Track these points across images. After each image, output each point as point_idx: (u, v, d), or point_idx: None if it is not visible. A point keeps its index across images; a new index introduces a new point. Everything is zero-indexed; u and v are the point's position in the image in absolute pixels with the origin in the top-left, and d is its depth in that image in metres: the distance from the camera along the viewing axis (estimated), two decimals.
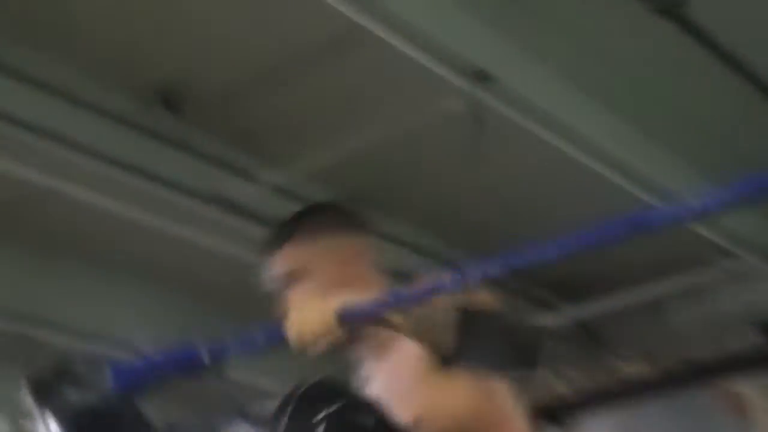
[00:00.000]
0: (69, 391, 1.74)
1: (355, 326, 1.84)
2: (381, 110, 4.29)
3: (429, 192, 5.14)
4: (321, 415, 1.55)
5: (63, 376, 1.76)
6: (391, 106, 4.24)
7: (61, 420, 1.72)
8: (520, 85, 3.89)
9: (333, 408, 1.57)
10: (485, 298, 1.67)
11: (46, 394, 1.73)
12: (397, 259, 4.80)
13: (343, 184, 4.76)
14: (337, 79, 4.25)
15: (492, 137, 3.78)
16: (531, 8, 3.84)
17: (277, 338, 1.75)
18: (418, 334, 1.68)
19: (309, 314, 1.73)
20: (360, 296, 1.83)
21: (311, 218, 2.17)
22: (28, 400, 1.74)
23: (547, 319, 5.86)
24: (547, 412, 6.14)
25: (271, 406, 1.68)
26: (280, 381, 5.54)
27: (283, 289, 2.06)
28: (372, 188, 4.93)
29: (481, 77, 3.70)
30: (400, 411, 1.64)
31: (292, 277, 2.05)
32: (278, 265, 2.08)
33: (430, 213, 5.34)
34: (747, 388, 6.06)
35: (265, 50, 4.10)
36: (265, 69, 4.18)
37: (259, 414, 1.62)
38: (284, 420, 1.57)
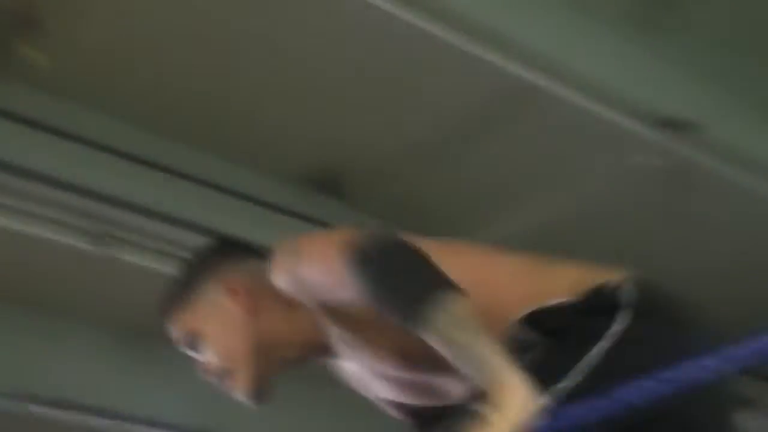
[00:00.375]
0: None
1: None
2: (561, 173, 4.22)
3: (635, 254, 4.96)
4: None
5: None
6: (570, 167, 4.16)
7: None
8: (725, 133, 3.79)
9: None
10: None
11: None
12: None
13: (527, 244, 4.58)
14: (509, 145, 4.15)
15: (697, 191, 3.70)
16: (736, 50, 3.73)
17: None
18: None
19: None
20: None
21: (181, 278, 1.99)
22: None
23: None
24: None
25: None
26: None
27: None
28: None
29: (680, 126, 3.63)
30: None
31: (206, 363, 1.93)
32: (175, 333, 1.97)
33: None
34: None
35: (425, 121, 4.08)
36: (425, 142, 4.16)
37: None
38: None
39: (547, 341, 1.59)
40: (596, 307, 1.59)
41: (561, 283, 1.67)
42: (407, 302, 1.49)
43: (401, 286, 1.52)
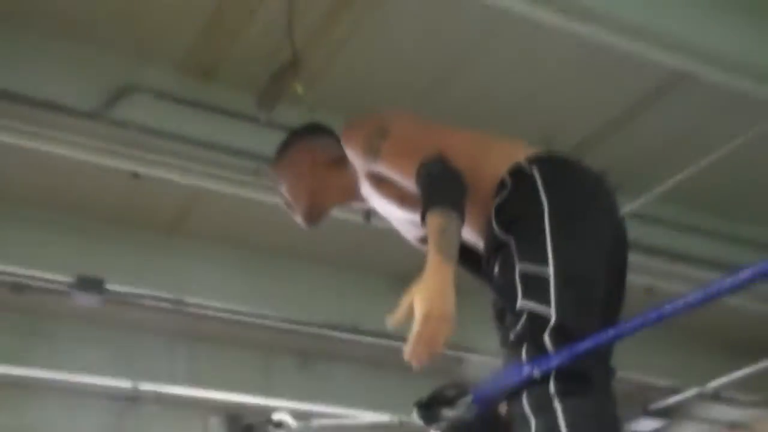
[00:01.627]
0: (445, 411, 2.12)
1: None
2: (712, 138, 4.73)
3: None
4: None
5: (439, 400, 2.13)
6: (719, 133, 4.67)
7: (444, 431, 2.14)
8: None
9: None
10: None
11: (429, 415, 2.14)
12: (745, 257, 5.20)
13: (692, 201, 5.21)
14: (670, 117, 4.80)
15: None
16: None
17: None
18: None
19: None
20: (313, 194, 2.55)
21: (281, 145, 2.70)
22: (417, 421, 2.15)
23: None
24: None
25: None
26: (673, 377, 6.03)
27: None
28: (715, 201, 5.42)
29: None
30: None
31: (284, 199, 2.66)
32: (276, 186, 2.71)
33: (763, 211, 5.65)
34: None
35: (611, 102, 4.72)
36: (611, 118, 4.80)
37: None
38: None
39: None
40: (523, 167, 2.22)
41: (509, 148, 2.33)
42: (426, 202, 2.13)
43: (429, 193, 2.16)
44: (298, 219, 2.65)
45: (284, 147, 2.69)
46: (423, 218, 2.17)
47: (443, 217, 2.13)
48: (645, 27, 3.80)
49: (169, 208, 5.47)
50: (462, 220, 2.16)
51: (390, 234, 5.05)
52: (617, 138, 4.93)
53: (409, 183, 2.33)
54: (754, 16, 4.05)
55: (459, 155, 2.30)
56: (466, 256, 2.37)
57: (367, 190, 2.52)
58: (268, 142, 4.46)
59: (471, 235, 2.35)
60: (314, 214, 2.62)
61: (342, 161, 2.55)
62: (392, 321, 2.07)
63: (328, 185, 2.60)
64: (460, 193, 2.20)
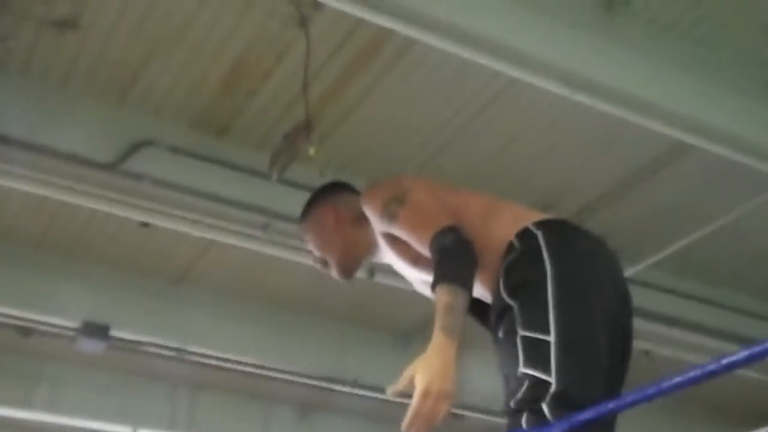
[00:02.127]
0: None
1: None
2: (709, 207, 4.83)
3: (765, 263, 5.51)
4: None
5: None
6: (717, 204, 4.76)
7: None
8: None
9: None
10: None
11: None
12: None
13: (690, 269, 5.28)
14: (671, 187, 4.87)
15: None
16: None
17: None
18: None
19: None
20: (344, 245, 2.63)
21: (306, 205, 2.77)
22: None
23: None
24: None
25: None
26: None
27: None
28: (712, 270, 5.50)
29: None
30: None
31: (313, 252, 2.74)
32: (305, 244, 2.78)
33: (760, 282, 5.71)
34: None
35: (610, 173, 4.84)
36: (613, 185, 4.89)
37: None
38: None
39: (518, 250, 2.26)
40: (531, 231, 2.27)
41: (519, 212, 2.40)
42: (437, 275, 2.21)
43: (439, 267, 2.23)
44: (333, 273, 2.73)
45: (308, 206, 2.78)
46: (433, 290, 2.25)
47: (451, 295, 2.19)
48: (647, 100, 3.88)
49: (178, 259, 5.53)
50: (470, 295, 2.22)
51: (394, 291, 5.18)
52: (618, 205, 5.01)
53: (422, 248, 2.40)
54: (753, 95, 4.16)
55: (471, 218, 2.39)
56: (478, 308, 2.43)
57: (382, 247, 2.61)
58: (279, 198, 4.62)
59: (482, 294, 2.39)
60: (348, 268, 2.71)
61: (362, 218, 2.63)
62: (392, 391, 2.13)
63: (356, 241, 2.67)
64: (469, 268, 2.26)
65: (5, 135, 4.16)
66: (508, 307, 2.21)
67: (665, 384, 1.78)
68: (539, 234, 2.28)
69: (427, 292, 2.55)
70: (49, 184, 4.37)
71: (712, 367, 1.71)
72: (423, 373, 2.08)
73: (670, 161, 4.72)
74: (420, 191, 2.53)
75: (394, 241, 2.53)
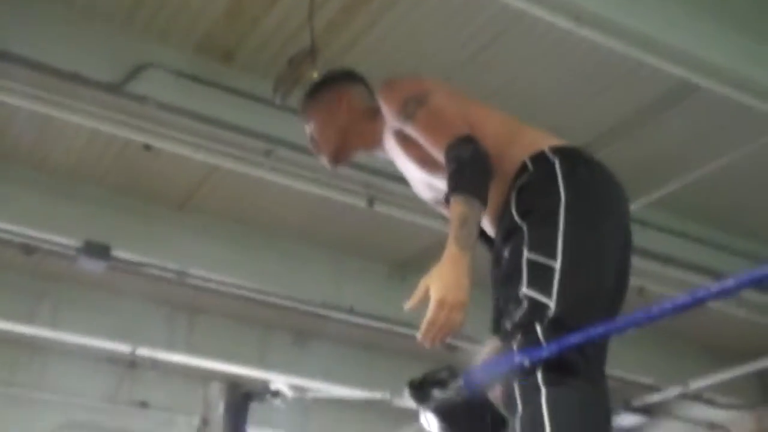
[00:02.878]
0: (436, 391, 2.18)
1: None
2: (711, 148, 4.83)
3: (760, 206, 5.55)
4: None
5: (432, 381, 2.19)
6: (717, 145, 4.76)
7: (433, 411, 2.23)
8: None
9: None
10: None
11: (420, 395, 2.20)
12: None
13: (688, 209, 5.29)
14: (674, 127, 4.88)
15: None
16: None
17: None
18: None
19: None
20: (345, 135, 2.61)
21: (312, 88, 2.77)
22: (409, 400, 2.22)
23: None
24: None
25: None
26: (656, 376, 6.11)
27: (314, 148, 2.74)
28: (708, 210, 5.52)
29: None
30: None
31: (312, 138, 2.72)
32: (306, 128, 2.76)
33: (755, 223, 5.73)
34: None
35: (617, 109, 4.81)
36: (617, 123, 4.90)
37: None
38: None
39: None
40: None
41: (536, 136, 2.40)
42: (453, 185, 2.21)
43: (455, 177, 2.22)
44: (323, 159, 2.73)
45: (319, 88, 2.76)
46: (447, 200, 2.25)
47: (466, 206, 2.20)
48: (654, 38, 3.86)
49: (181, 183, 5.54)
50: (484, 206, 2.22)
51: (391, 222, 5.20)
52: (621, 143, 4.98)
53: (435, 152, 2.39)
54: (759, 37, 4.13)
55: (487, 134, 2.37)
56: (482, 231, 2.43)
57: (390, 144, 2.59)
58: (282, 125, 4.62)
59: (488, 213, 2.38)
60: (340, 156, 2.71)
61: (373, 112, 2.62)
62: (409, 304, 2.14)
63: (359, 130, 2.67)
64: (485, 179, 2.25)
65: (8, 51, 4.13)
66: (518, 228, 2.22)
67: (656, 310, 1.80)
68: (556, 161, 2.28)
69: (427, 194, 2.61)
70: (51, 103, 4.35)
71: (702, 293, 1.74)
72: (437, 284, 2.10)
73: (675, 101, 4.68)
74: (442, 96, 2.51)
75: (405, 140, 2.51)
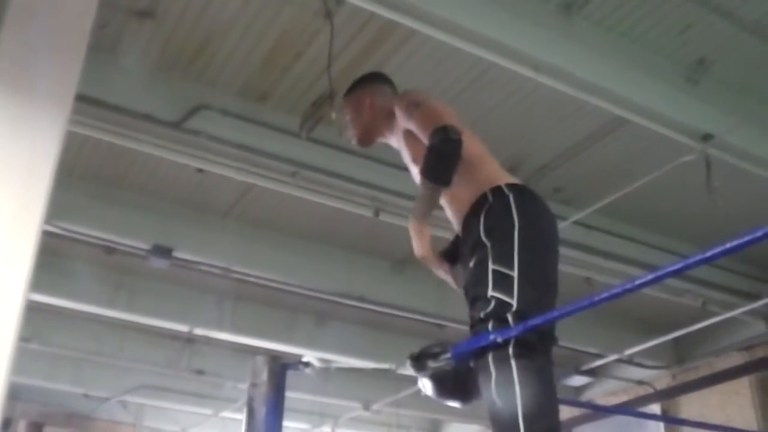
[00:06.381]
0: (430, 362, 2.24)
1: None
2: (640, 167, 4.82)
3: (679, 212, 5.56)
4: None
5: (427, 354, 2.25)
6: (645, 165, 4.75)
7: (429, 378, 2.29)
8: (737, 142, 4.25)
9: None
10: None
11: (418, 365, 2.26)
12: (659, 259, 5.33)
13: (623, 215, 5.34)
14: (611, 150, 4.92)
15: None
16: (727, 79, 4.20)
17: None
18: None
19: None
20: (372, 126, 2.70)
21: (352, 85, 2.83)
22: (409, 369, 2.27)
23: None
24: None
25: None
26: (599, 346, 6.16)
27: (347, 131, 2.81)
28: (640, 216, 5.55)
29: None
30: None
31: (346, 124, 2.80)
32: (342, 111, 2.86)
33: (675, 226, 5.72)
34: None
35: (566, 137, 4.84)
36: (567, 148, 4.93)
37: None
38: None
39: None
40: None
41: (496, 171, 2.44)
42: (421, 168, 2.32)
43: (426, 161, 2.31)
44: (353, 140, 2.80)
45: (355, 85, 2.84)
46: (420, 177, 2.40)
47: (427, 189, 2.35)
48: (596, 84, 3.90)
49: (225, 199, 5.57)
50: (443, 185, 2.35)
51: (392, 228, 5.24)
52: (570, 164, 5.03)
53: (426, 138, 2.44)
54: (673, 83, 4.20)
55: (467, 146, 2.41)
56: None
57: (400, 143, 2.66)
58: (305, 152, 4.66)
59: (453, 209, 2.47)
60: (365, 141, 2.79)
61: (390, 112, 2.69)
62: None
63: (378, 126, 2.74)
64: (446, 165, 2.34)
65: (98, 98, 4.19)
66: (483, 244, 2.27)
67: (596, 297, 1.86)
68: (510, 195, 2.34)
69: None
70: (128, 137, 4.40)
71: (632, 283, 1.79)
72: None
73: (611, 130, 4.74)
74: (438, 102, 2.58)
75: (409, 138, 2.58)
